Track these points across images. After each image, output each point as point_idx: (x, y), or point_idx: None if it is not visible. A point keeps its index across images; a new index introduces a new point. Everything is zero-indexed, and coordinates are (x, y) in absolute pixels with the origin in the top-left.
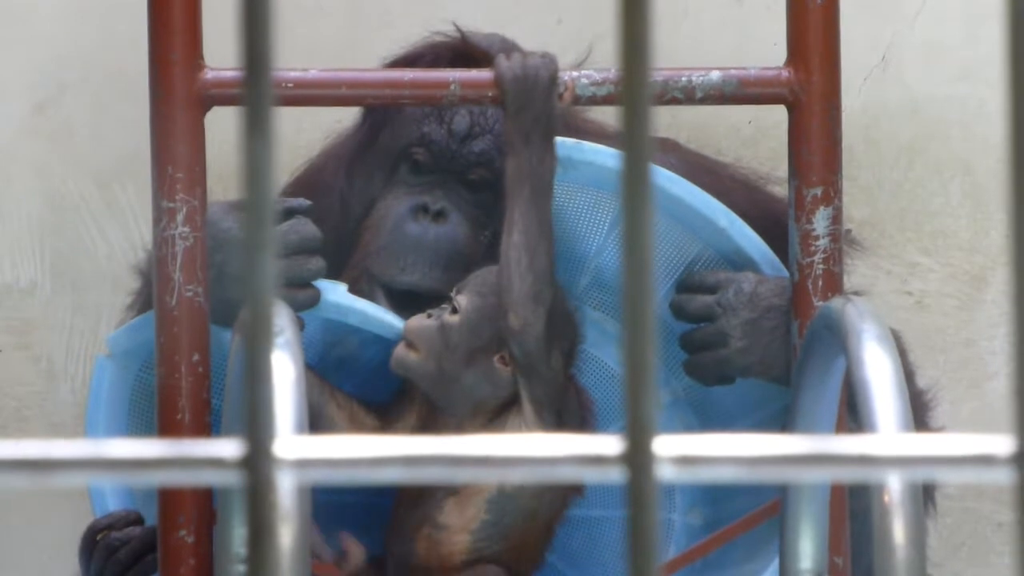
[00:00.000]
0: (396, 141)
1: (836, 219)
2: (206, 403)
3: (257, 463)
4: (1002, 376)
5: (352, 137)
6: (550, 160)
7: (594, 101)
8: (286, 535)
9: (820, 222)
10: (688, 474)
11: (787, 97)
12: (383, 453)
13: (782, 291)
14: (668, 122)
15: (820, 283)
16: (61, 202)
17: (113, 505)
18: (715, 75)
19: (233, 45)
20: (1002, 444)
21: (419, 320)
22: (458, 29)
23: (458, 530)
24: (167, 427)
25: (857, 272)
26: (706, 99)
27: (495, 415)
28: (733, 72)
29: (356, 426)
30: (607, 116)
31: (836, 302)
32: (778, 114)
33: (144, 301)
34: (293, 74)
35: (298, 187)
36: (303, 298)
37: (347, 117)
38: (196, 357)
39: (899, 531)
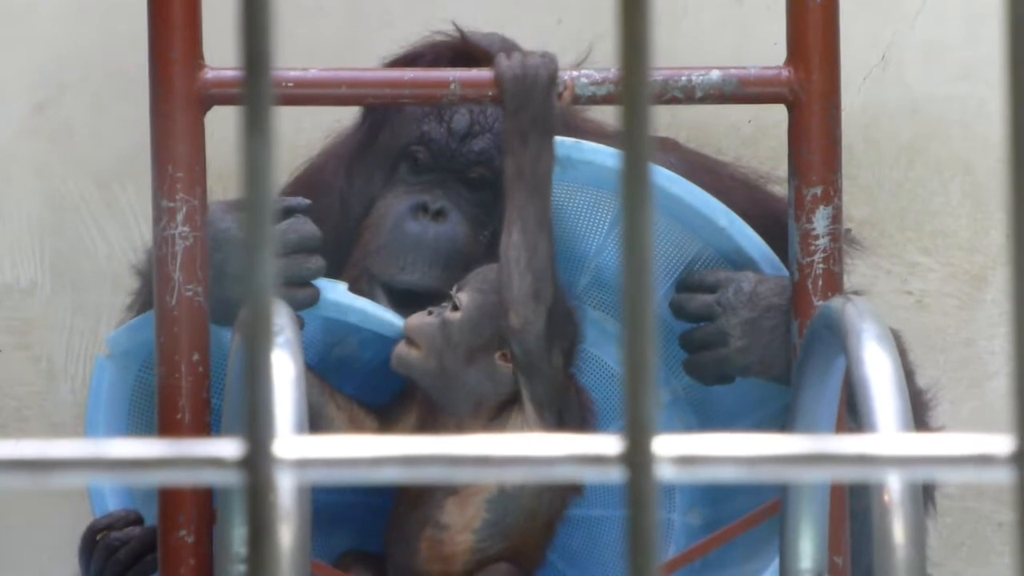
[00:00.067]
0: (396, 140)
1: (836, 218)
2: (206, 403)
3: (257, 463)
4: (1002, 376)
5: (352, 136)
6: (548, 159)
7: (594, 101)
8: (286, 535)
9: (820, 221)
10: (688, 474)
11: (787, 96)
12: (382, 453)
13: (782, 290)
14: (668, 121)
15: (820, 282)
16: (61, 202)
17: (113, 505)
18: (715, 74)
19: (233, 45)
20: (1002, 444)
21: (420, 317)
22: (458, 29)
23: (460, 529)
24: (167, 427)
25: (857, 272)
26: (706, 98)
27: (496, 414)
28: (733, 71)
29: (356, 427)
30: (607, 115)
31: (836, 301)
32: (778, 113)
33: (144, 301)
34: (293, 73)
35: (298, 186)
36: (302, 297)
37: (347, 116)
38: (196, 357)
39: (899, 531)
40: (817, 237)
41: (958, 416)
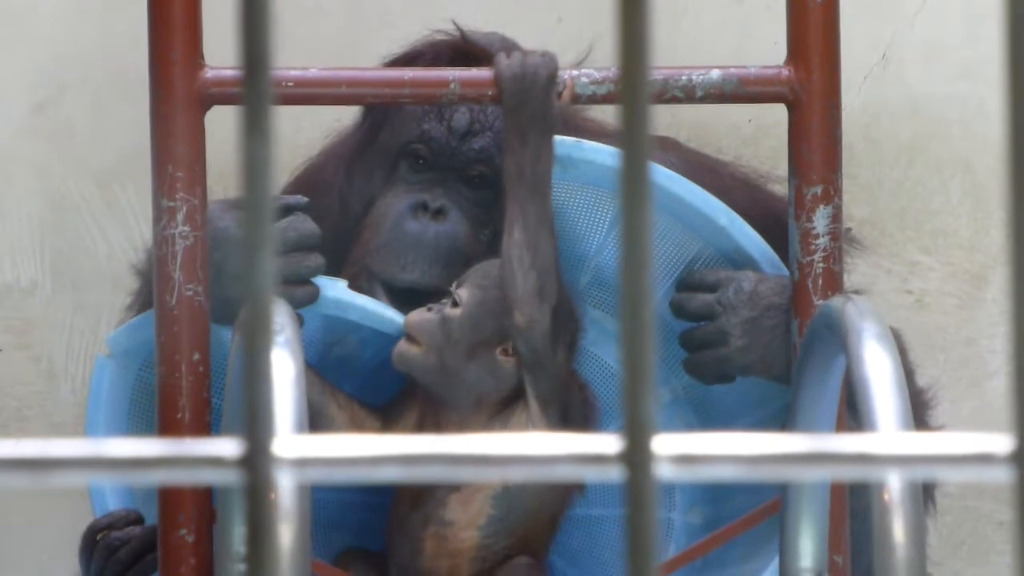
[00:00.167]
0: (396, 139)
1: (836, 218)
2: (206, 402)
3: (256, 462)
4: (1002, 375)
5: (352, 136)
6: (547, 157)
7: (594, 100)
8: (286, 534)
9: (820, 221)
10: (687, 473)
11: (787, 96)
12: (382, 452)
13: (782, 289)
14: (668, 121)
15: (820, 282)
16: (61, 202)
17: (113, 504)
18: (715, 74)
19: (233, 44)
20: (1002, 443)
21: (420, 314)
22: (458, 28)
23: (465, 526)
24: (167, 426)
25: (857, 271)
26: (706, 98)
27: (498, 409)
28: (733, 71)
29: (357, 426)
30: (607, 115)
31: (836, 301)
32: (778, 113)
33: (143, 301)
34: (293, 73)
35: (298, 186)
36: (302, 295)
37: (347, 116)
38: (196, 356)
39: (899, 530)
40: (817, 236)
41: (958, 415)
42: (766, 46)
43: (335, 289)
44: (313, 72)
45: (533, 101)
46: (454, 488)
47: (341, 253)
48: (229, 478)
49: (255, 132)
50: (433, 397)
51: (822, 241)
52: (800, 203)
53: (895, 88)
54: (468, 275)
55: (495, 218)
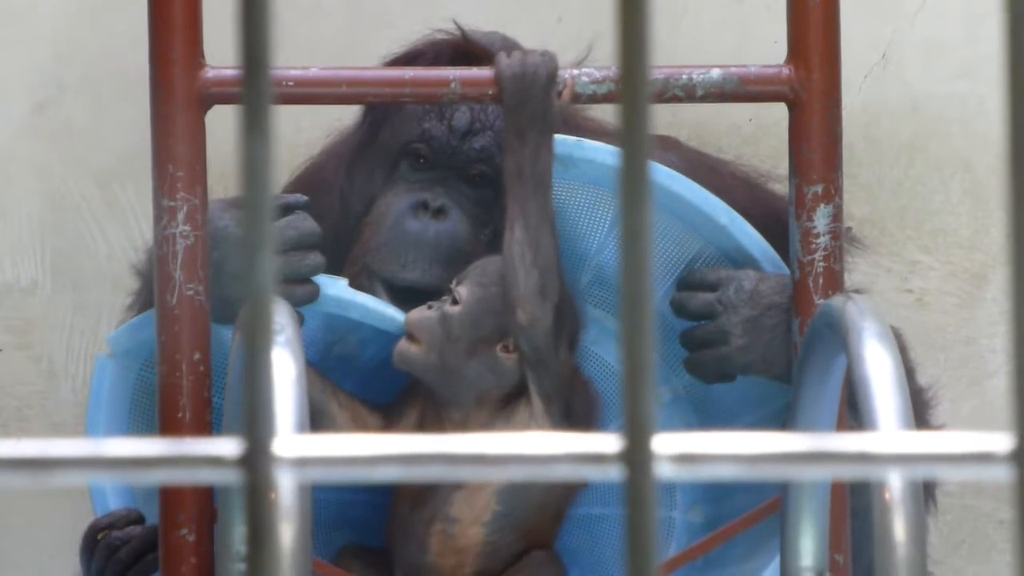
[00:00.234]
0: (396, 138)
1: (837, 217)
2: (207, 402)
3: (256, 462)
4: (1002, 374)
5: (352, 135)
6: (547, 155)
7: (594, 99)
8: (286, 533)
9: (821, 220)
10: (688, 472)
11: (787, 95)
12: (382, 452)
13: (783, 289)
14: (669, 120)
15: (821, 281)
16: (62, 201)
17: (114, 504)
18: (715, 73)
19: (233, 44)
20: (1002, 442)
21: (420, 312)
22: (458, 27)
23: (471, 522)
24: (168, 426)
25: (858, 270)
26: (707, 97)
27: (501, 407)
28: (733, 70)
29: (359, 425)
30: (607, 114)
31: (837, 300)
32: (778, 112)
33: (144, 301)
34: (294, 72)
35: (299, 185)
36: (302, 293)
37: (347, 115)
38: (197, 356)
39: (900, 529)
40: (818, 235)
41: (958, 414)
42: (766, 45)
43: (336, 287)
44: (313, 72)
45: (533, 100)
46: (458, 485)
47: (342, 252)
48: (229, 478)
49: (255, 132)
50: (435, 395)
51: (822, 240)
52: (801, 202)
53: (895, 87)
54: (468, 272)
55: (496, 217)
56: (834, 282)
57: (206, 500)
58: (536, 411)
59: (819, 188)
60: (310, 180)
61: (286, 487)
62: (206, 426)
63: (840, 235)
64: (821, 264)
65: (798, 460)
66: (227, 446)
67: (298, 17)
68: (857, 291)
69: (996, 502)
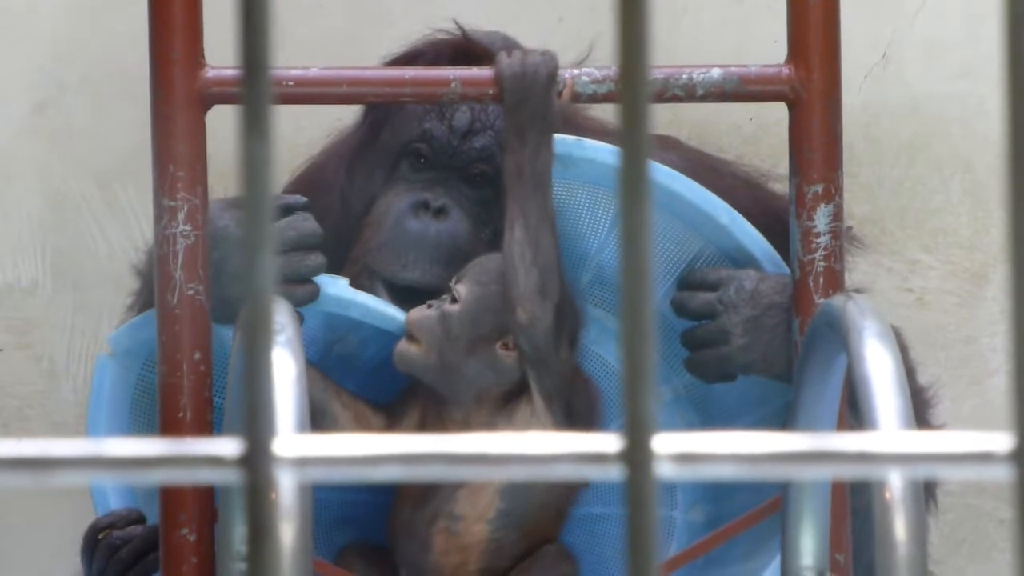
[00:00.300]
0: (397, 138)
1: (837, 216)
2: (208, 401)
3: (256, 462)
4: (1003, 373)
5: (353, 135)
6: (547, 154)
7: (595, 99)
8: (287, 533)
9: (821, 219)
10: (688, 472)
11: (788, 94)
12: (383, 451)
13: (783, 288)
14: (669, 120)
15: (821, 280)
16: (62, 201)
17: (115, 504)
18: (716, 72)
19: (233, 43)
20: (1002, 441)
21: (420, 311)
22: (459, 27)
23: (475, 520)
24: (169, 426)
25: (858, 269)
26: (707, 96)
27: (502, 405)
28: (734, 70)
29: (362, 425)
30: (608, 114)
31: (837, 299)
32: (779, 111)
33: (144, 301)
34: (294, 72)
35: (299, 185)
36: (301, 293)
37: (348, 115)
38: (198, 355)
39: (900, 528)
40: (818, 235)
41: (959, 414)
42: (766, 45)
43: (336, 287)
44: (314, 71)
45: (533, 100)
46: (462, 483)
47: (342, 252)
48: (230, 477)
49: (255, 132)
50: (436, 394)
51: (823, 240)
52: (801, 202)
53: (895, 87)
54: (466, 270)
55: (496, 217)
56: (834, 281)
57: (207, 500)
58: (537, 409)
59: (819, 188)
60: (310, 180)
61: (286, 487)
62: (207, 426)
63: (840, 234)
64: (821, 263)
65: (799, 460)
66: (228, 446)
67: (298, 17)
68: (857, 290)
69: (997, 501)
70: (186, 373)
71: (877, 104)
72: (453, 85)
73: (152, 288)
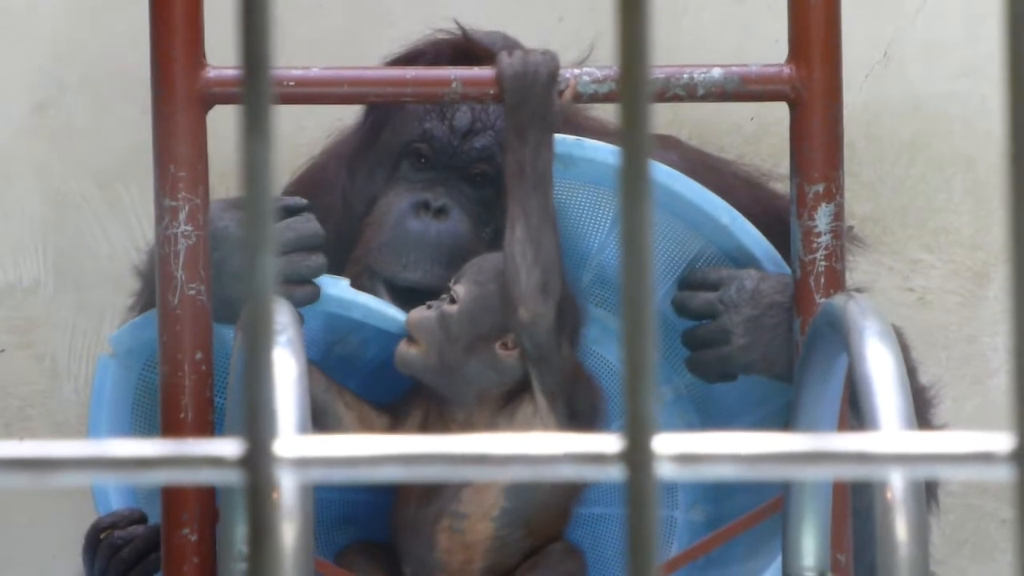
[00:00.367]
0: (397, 138)
1: (838, 216)
2: (209, 402)
3: (257, 462)
4: (1004, 373)
5: (354, 135)
6: (547, 154)
7: (595, 99)
8: (288, 533)
9: (822, 219)
10: (689, 472)
11: (789, 94)
12: (384, 452)
13: (784, 288)
14: (670, 119)
15: (822, 280)
16: (63, 201)
17: (116, 504)
18: (717, 72)
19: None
20: (1004, 441)
21: (419, 312)
22: (459, 27)
23: (480, 518)
24: (170, 426)
25: (859, 269)
26: (708, 96)
27: (504, 404)
28: (735, 69)
29: (365, 426)
30: (608, 114)
31: (838, 299)
32: (780, 111)
33: (145, 301)
34: (295, 72)
35: (300, 185)
36: (302, 294)
37: (349, 115)
38: (199, 355)
39: (902, 528)
40: (819, 234)
41: (960, 413)
42: (767, 44)
43: (337, 287)
44: (314, 71)
45: (534, 99)
46: (466, 481)
47: (343, 252)
48: (231, 478)
49: (256, 132)
50: (438, 395)
51: (824, 239)
52: (802, 201)
53: (896, 86)
54: (464, 270)
55: (497, 216)
56: (835, 281)
57: (208, 500)
58: (540, 408)
59: (820, 187)
60: (311, 180)
61: (288, 487)
62: (208, 426)
63: (841, 234)
64: (822, 263)
65: (799, 460)
66: (229, 446)
67: (298, 17)
68: (859, 290)
69: (999, 502)
70: (187, 373)
71: (878, 103)
72: (454, 85)
73: (153, 288)
